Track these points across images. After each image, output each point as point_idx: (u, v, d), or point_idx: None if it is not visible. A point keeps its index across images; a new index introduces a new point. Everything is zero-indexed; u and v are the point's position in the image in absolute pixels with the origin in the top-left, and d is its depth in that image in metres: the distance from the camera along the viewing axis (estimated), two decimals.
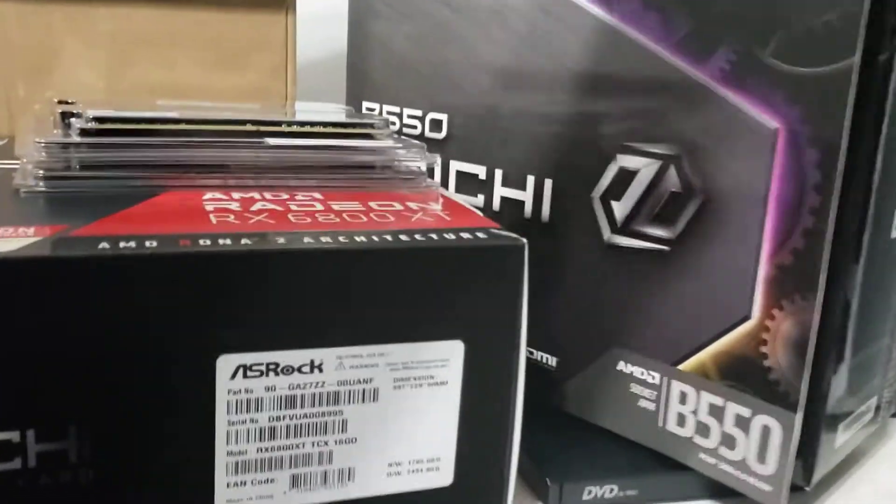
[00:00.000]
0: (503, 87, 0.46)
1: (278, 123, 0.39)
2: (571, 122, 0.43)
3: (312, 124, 0.40)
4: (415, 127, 0.52)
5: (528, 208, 0.46)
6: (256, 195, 0.37)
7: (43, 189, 0.34)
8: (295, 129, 0.39)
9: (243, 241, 0.30)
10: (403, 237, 0.32)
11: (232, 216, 0.33)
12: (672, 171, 0.40)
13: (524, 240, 0.33)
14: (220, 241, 0.30)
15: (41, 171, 0.34)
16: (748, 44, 0.36)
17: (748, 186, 0.37)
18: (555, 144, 0.44)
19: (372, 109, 0.54)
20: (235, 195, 0.37)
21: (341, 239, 0.31)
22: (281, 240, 0.30)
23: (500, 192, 0.48)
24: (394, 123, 0.53)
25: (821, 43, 0.34)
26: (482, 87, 0.47)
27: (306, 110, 0.49)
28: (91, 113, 0.36)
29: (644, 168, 0.40)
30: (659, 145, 0.40)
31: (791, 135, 0.35)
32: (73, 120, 0.36)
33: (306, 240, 0.31)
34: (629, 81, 0.41)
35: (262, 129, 0.39)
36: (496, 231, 0.34)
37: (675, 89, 0.39)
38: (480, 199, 0.49)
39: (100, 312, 0.28)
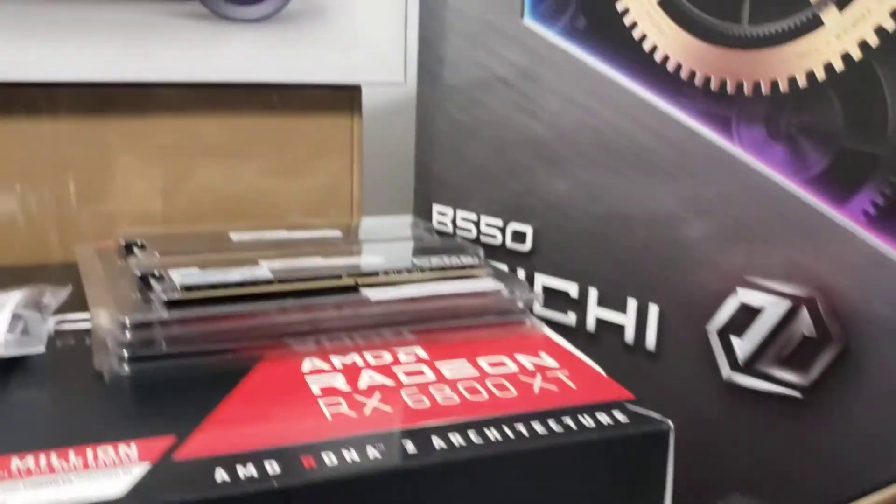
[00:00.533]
0: (599, 205, 0.43)
1: (374, 273, 0.36)
2: (682, 245, 0.40)
3: (410, 270, 0.37)
4: (494, 237, 0.48)
5: (630, 333, 0.43)
6: (358, 359, 0.34)
7: (128, 373, 0.31)
8: (392, 277, 0.36)
9: (370, 452, 0.27)
10: (538, 427, 0.29)
11: (343, 402, 0.30)
12: (804, 314, 0.36)
13: (670, 422, 0.30)
14: (346, 455, 0.26)
15: (126, 353, 0.31)
16: None
17: None
18: (662, 267, 0.41)
19: (444, 213, 0.51)
20: (336, 360, 0.33)
21: (473, 438, 0.28)
22: (410, 447, 0.27)
23: (595, 311, 0.44)
24: (469, 230, 0.50)
25: None
26: (576, 203, 0.44)
27: (380, 228, 0.46)
28: (178, 280, 0.33)
29: (770, 307, 0.37)
30: (788, 284, 0.37)
31: None
32: (156, 288, 0.33)
33: (438, 444, 0.27)
34: (751, 214, 0.37)
35: (360, 280, 0.35)
36: (636, 409, 0.31)
37: (810, 228, 0.36)
38: (572, 318, 0.45)
39: None
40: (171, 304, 0.32)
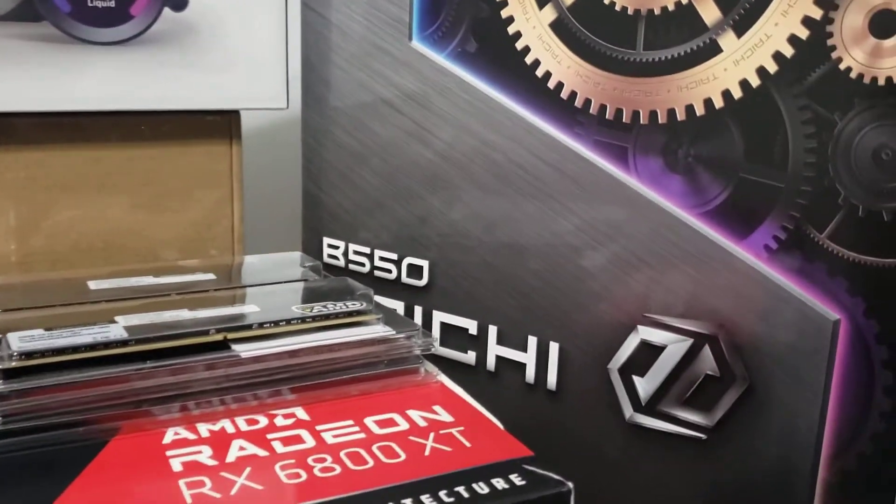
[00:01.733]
0: (495, 236, 0.41)
1: (247, 326, 0.32)
2: (581, 279, 0.38)
3: (289, 320, 0.33)
4: (389, 271, 0.46)
5: (531, 372, 0.40)
6: (229, 425, 0.30)
7: None
8: (268, 329, 0.33)
9: None
10: (426, 499, 0.26)
11: (207, 481, 0.26)
12: (707, 352, 0.35)
13: (570, 484, 0.28)
14: None
15: None
16: (799, 221, 0.32)
17: (803, 380, 0.32)
18: (561, 302, 0.39)
19: (335, 247, 0.48)
20: (203, 428, 0.30)
21: None
22: None
23: (495, 350, 0.42)
24: (363, 265, 0.47)
25: (888, 231, 0.30)
26: (472, 234, 0.42)
27: (261, 268, 0.42)
28: (15, 346, 0.28)
29: (671, 345, 0.35)
30: (689, 321, 0.35)
31: (855, 329, 0.31)
32: None
33: None
34: (649, 246, 0.36)
35: (229, 336, 0.32)
36: (534, 470, 0.28)
37: (710, 262, 0.34)
38: (471, 356, 0.43)
39: None
40: (8, 374, 0.28)
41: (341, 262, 0.48)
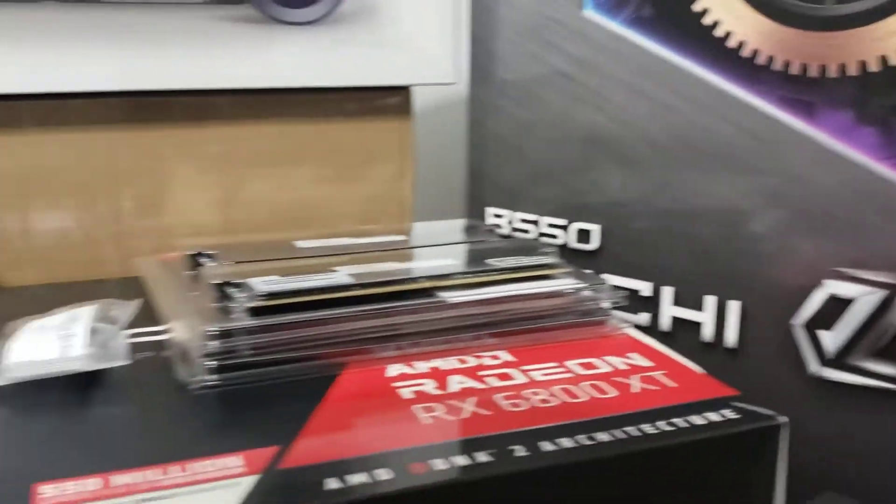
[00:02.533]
0: (672, 198, 0.42)
1: (450, 275, 0.35)
2: (763, 238, 0.39)
3: (487, 271, 0.35)
4: (555, 237, 0.47)
5: (708, 331, 0.41)
6: (442, 363, 0.32)
7: (214, 383, 0.30)
8: (469, 279, 0.35)
9: (478, 456, 0.25)
10: (647, 427, 0.28)
11: (439, 407, 0.29)
12: None
13: (784, 418, 0.29)
14: (454, 460, 0.25)
15: (212, 363, 0.30)
16: None
17: None
18: (741, 262, 0.40)
19: (500, 216, 0.50)
20: (419, 365, 0.32)
21: (582, 440, 0.27)
22: (519, 451, 0.26)
23: (670, 311, 0.43)
24: (527, 232, 0.49)
25: None
26: (646, 198, 0.43)
27: (443, 231, 0.45)
28: (259, 288, 0.32)
29: (862, 297, 0.36)
30: (880, 273, 0.35)
31: None
32: (237, 296, 0.32)
33: (546, 447, 0.26)
34: (837, 200, 0.36)
35: (438, 284, 0.34)
36: (744, 406, 0.29)
37: None
38: (644, 317, 0.44)
39: None
40: (254, 312, 0.31)
41: (506, 231, 0.50)
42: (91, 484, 0.24)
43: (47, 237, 0.44)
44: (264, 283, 0.32)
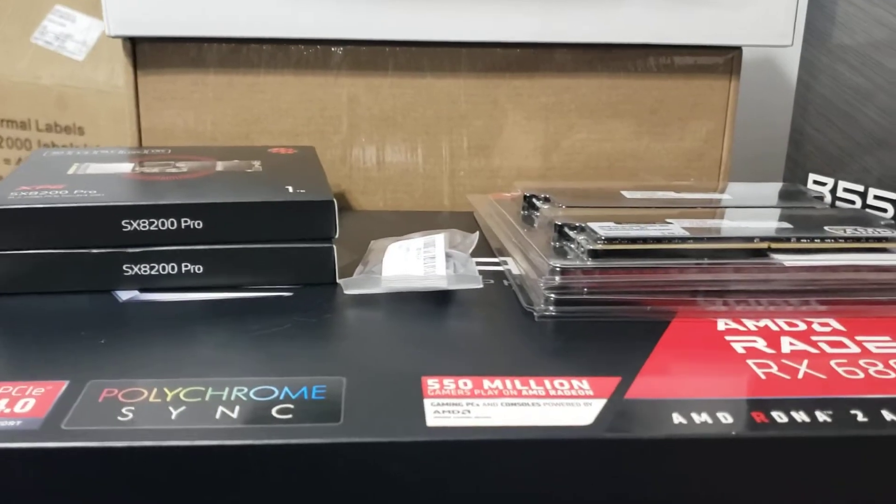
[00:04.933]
0: None
1: (788, 238, 0.35)
2: None
3: (823, 238, 0.35)
4: (885, 210, 0.45)
5: None
6: (770, 324, 0.33)
7: (554, 314, 0.33)
8: (804, 244, 0.35)
9: (819, 415, 0.26)
10: None
11: (773, 365, 0.30)
12: None
13: None
14: (795, 416, 0.26)
15: (553, 296, 0.33)
16: None
17: None
18: None
19: (822, 184, 0.49)
20: (748, 323, 0.33)
21: None
22: (860, 417, 0.26)
23: None
24: (853, 202, 0.47)
25: None
26: None
27: (767, 193, 0.45)
28: (601, 232, 0.34)
29: None
30: None
31: None
32: (579, 238, 0.34)
33: (889, 417, 0.26)
34: None
35: (772, 245, 0.35)
36: None
37: None
38: None
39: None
40: (594, 254, 0.34)
41: (827, 199, 0.48)
42: (468, 383, 0.28)
43: (395, 169, 0.49)
44: (604, 229, 0.34)
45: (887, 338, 0.32)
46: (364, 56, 0.47)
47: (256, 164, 0.40)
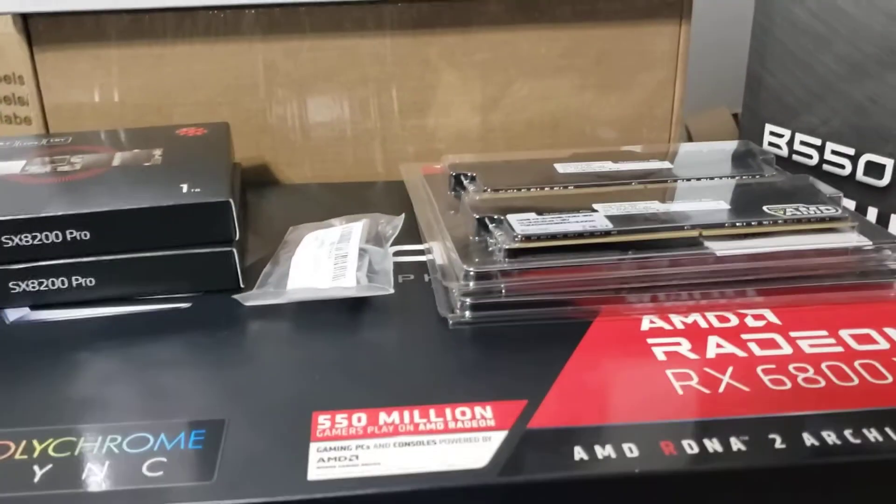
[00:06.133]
0: None
1: (721, 224, 0.33)
2: None
3: (761, 221, 0.33)
4: (842, 167, 0.43)
5: None
6: (700, 320, 0.31)
7: (470, 320, 0.31)
8: (739, 229, 0.33)
9: (733, 443, 0.25)
10: None
11: (694, 376, 0.28)
12: None
13: None
14: (707, 444, 0.24)
15: (469, 300, 0.31)
16: None
17: None
18: None
19: (779, 135, 0.46)
20: (676, 319, 0.31)
21: (849, 437, 0.25)
22: (778, 442, 0.25)
23: None
24: (810, 157, 0.44)
25: None
26: None
27: (712, 158, 0.42)
28: (518, 228, 0.32)
29: None
30: None
31: None
32: (496, 235, 0.32)
33: (808, 441, 0.25)
34: None
35: (704, 233, 0.32)
36: None
37: None
38: None
39: None
40: (512, 253, 0.31)
41: (784, 152, 0.46)
42: (362, 418, 0.26)
43: (321, 138, 0.46)
44: (522, 224, 0.32)
45: (824, 332, 0.30)
46: (278, 18, 0.43)
47: (157, 153, 0.37)
